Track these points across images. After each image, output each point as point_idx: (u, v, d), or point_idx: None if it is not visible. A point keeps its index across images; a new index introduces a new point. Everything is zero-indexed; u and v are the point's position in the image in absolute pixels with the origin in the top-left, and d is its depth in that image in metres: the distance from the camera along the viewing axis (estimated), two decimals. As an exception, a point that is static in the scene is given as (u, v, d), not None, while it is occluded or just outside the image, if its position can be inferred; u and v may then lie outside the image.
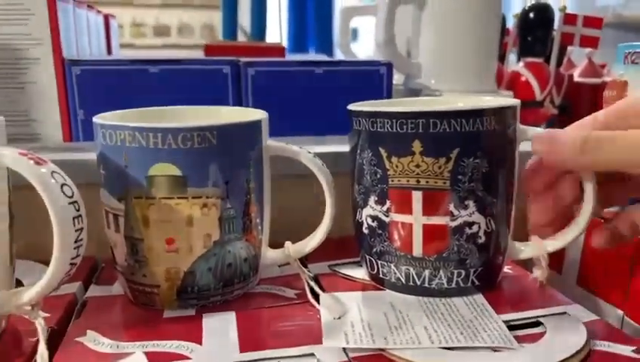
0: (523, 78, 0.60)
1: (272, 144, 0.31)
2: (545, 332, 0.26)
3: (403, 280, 0.31)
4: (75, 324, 0.28)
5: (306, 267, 0.35)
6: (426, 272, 0.30)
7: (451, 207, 0.29)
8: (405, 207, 0.29)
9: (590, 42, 0.61)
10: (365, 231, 0.31)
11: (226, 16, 0.52)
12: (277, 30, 1.94)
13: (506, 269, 0.34)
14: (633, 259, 0.34)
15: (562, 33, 0.61)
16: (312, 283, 0.31)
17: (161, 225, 0.28)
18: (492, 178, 0.29)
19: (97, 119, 0.29)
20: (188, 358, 0.24)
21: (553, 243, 0.31)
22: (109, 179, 0.29)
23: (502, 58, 0.65)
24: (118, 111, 0.32)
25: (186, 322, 0.28)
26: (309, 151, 0.31)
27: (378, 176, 0.30)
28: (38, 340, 0.25)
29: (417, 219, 0.29)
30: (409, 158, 0.29)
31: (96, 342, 0.26)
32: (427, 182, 0.29)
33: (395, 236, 0.30)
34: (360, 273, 0.34)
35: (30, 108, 0.41)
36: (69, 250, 0.23)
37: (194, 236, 0.28)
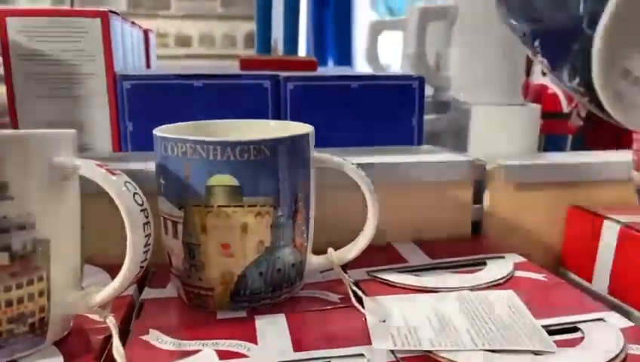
0: (550, 91, 0.61)
1: (318, 156, 0.33)
2: (583, 337, 0.28)
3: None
4: (137, 324, 0.30)
5: (345, 273, 0.36)
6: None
7: None
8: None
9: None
10: None
11: (260, 30, 0.54)
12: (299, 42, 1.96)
13: (540, 277, 0.36)
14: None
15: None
16: (355, 288, 0.33)
17: (217, 231, 0.30)
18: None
19: (159, 132, 0.31)
20: (247, 356, 0.26)
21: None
22: (168, 189, 0.31)
23: (527, 71, 0.67)
24: (174, 125, 0.34)
25: (239, 323, 0.30)
26: (352, 163, 0.33)
27: None
28: (104, 337, 0.27)
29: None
30: None
31: (159, 340, 0.28)
32: None
33: None
34: (399, 278, 0.35)
35: (83, 119, 0.44)
36: (140, 253, 0.25)
37: (248, 242, 0.30)
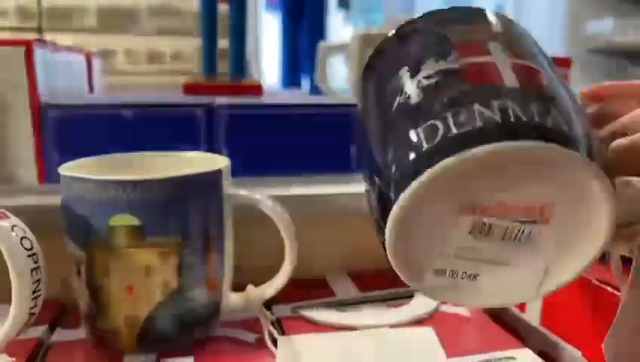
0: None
1: (233, 193, 0.32)
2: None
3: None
4: (38, 370, 0.28)
5: (269, 309, 0.35)
6: None
7: None
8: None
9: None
10: None
11: (205, 50, 0.53)
12: (270, 61, 1.96)
13: (464, 312, 0.35)
14: (592, 300, 0.35)
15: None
16: (271, 328, 0.32)
17: (120, 273, 0.29)
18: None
19: (62, 170, 0.30)
20: (140, 407, 0.25)
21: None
22: (72, 228, 0.30)
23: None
24: (82, 160, 0.33)
25: (147, 366, 0.29)
26: (269, 201, 0.32)
27: None
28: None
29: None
30: None
31: (52, 390, 0.26)
32: None
33: None
34: (321, 315, 0.35)
35: (7, 150, 0.42)
36: (27, 301, 0.24)
37: (153, 283, 0.29)
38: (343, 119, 0.48)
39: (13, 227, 0.25)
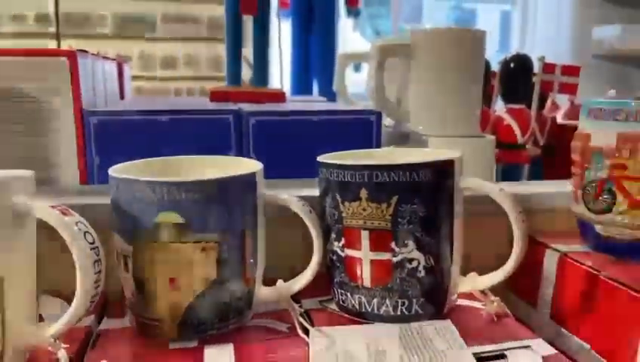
0: (505, 123, 0.64)
1: (266, 193, 0.35)
2: (506, 365, 0.30)
3: (357, 307, 0.35)
4: (91, 355, 0.31)
5: (298, 302, 0.38)
6: (375, 301, 0.34)
7: (393, 245, 0.33)
8: (356, 244, 0.34)
9: (569, 89, 0.65)
10: (329, 263, 0.36)
11: (230, 62, 0.56)
12: (280, 70, 1.99)
13: (477, 304, 0.38)
14: (601, 295, 0.37)
15: (542, 81, 0.65)
16: (302, 319, 0.35)
17: (164, 266, 0.32)
18: (430, 221, 0.33)
19: (112, 172, 0.33)
20: (189, 386, 0.28)
21: (483, 281, 0.35)
22: (120, 225, 0.32)
23: (488, 101, 0.70)
24: (130, 163, 0.36)
25: (189, 353, 0.31)
26: (298, 200, 0.35)
27: (335, 217, 0.34)
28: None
29: (365, 254, 0.33)
30: (357, 203, 0.33)
31: (108, 370, 0.29)
32: (372, 223, 0.33)
33: (349, 269, 0.35)
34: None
35: (51, 154, 0.46)
36: (90, 290, 0.27)
37: (194, 276, 0.32)
38: (365, 125, 0.50)
39: (77, 223, 0.27)
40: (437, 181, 0.33)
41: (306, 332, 0.34)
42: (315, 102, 0.71)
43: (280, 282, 0.37)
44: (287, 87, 1.91)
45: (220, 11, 2.63)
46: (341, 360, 0.30)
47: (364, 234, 0.33)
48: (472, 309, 0.37)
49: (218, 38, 2.65)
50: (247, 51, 2.49)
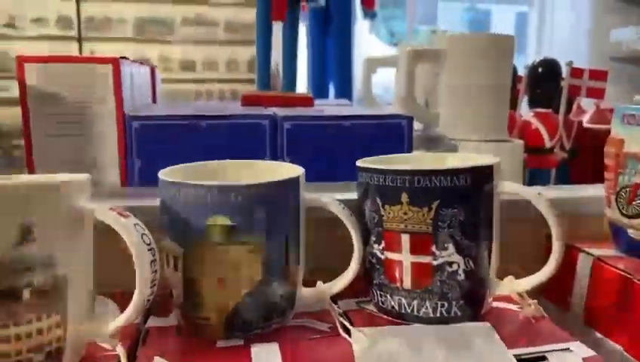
0: (533, 127, 0.65)
1: (308, 196, 0.36)
2: (547, 366, 0.30)
3: (396, 308, 0.36)
4: (143, 351, 0.32)
5: (336, 303, 0.39)
6: (415, 303, 0.35)
7: (433, 249, 0.34)
8: (396, 247, 0.35)
9: (596, 93, 0.66)
10: (368, 266, 0.37)
11: (260, 65, 0.58)
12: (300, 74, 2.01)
13: (516, 307, 0.38)
14: (635, 299, 0.37)
15: (570, 85, 0.66)
16: (342, 319, 0.36)
17: (214, 266, 0.33)
18: (469, 225, 0.34)
19: (163, 176, 0.34)
20: (241, 382, 0.29)
21: (522, 284, 0.36)
22: (171, 226, 0.34)
23: (514, 104, 0.70)
24: (176, 167, 0.37)
25: (236, 350, 0.33)
26: (338, 203, 0.36)
27: (375, 220, 0.35)
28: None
29: (406, 257, 0.34)
30: (399, 207, 0.34)
31: (162, 366, 0.30)
32: (413, 227, 0.34)
33: (389, 271, 0.36)
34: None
35: (94, 157, 0.47)
36: (147, 288, 0.28)
37: (240, 277, 0.33)
38: (397, 129, 0.51)
39: (135, 224, 0.29)
40: (477, 186, 0.34)
41: (347, 331, 0.35)
42: (341, 106, 0.72)
43: (320, 283, 0.38)
44: (302, 90, 1.93)
45: (236, 14, 2.66)
46: (384, 358, 0.31)
47: (405, 238, 0.34)
48: (508, 312, 0.38)
49: (235, 40, 2.68)
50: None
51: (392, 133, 0.51)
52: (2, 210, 0.26)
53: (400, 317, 0.36)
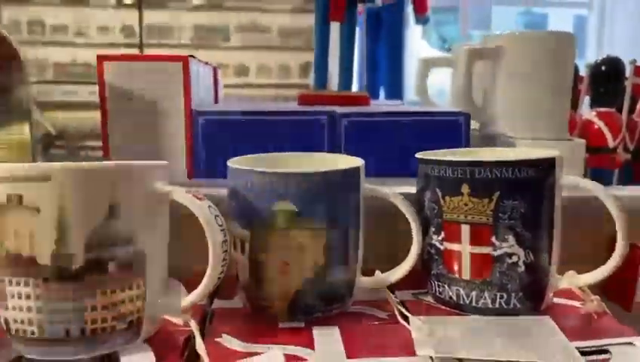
0: (596, 127, 0.63)
1: (368, 186, 0.37)
2: (610, 359, 0.30)
3: (455, 299, 0.36)
4: (211, 328, 0.34)
5: (393, 293, 0.40)
6: (473, 293, 0.35)
7: (493, 239, 0.34)
8: (456, 237, 0.35)
9: (663, 93, 0.63)
10: (426, 256, 0.37)
11: (317, 66, 0.59)
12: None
13: (577, 304, 0.38)
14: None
15: (633, 84, 0.64)
16: (401, 307, 0.36)
17: (278, 250, 0.35)
18: (530, 217, 0.34)
19: (232, 164, 0.36)
20: (306, 360, 0.30)
21: (584, 278, 0.35)
22: (238, 212, 0.36)
23: (574, 105, 0.69)
24: (243, 157, 0.39)
25: (298, 332, 0.34)
26: (398, 194, 0.37)
27: (435, 211, 0.35)
28: (185, 338, 0.32)
29: (465, 248, 0.35)
30: (459, 198, 0.34)
31: (230, 342, 0.32)
32: (473, 217, 0.34)
33: (448, 261, 0.36)
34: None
35: (164, 149, 0.50)
36: (219, 266, 0.30)
37: (304, 261, 0.35)
38: (454, 126, 0.51)
39: (209, 206, 0.31)
40: (539, 178, 0.34)
41: (405, 320, 0.35)
42: (397, 105, 0.73)
43: (378, 273, 0.39)
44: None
45: (290, 21, 2.71)
46: (444, 345, 0.31)
47: (465, 228, 0.35)
48: (569, 307, 0.38)
49: (288, 46, 2.73)
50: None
51: (449, 130, 0.52)
52: (94, 189, 0.29)
53: (458, 308, 0.36)
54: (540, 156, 0.35)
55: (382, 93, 2.04)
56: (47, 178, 0.28)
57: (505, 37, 0.56)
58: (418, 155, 0.38)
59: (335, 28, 0.60)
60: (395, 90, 1.91)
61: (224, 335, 0.33)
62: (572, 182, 0.35)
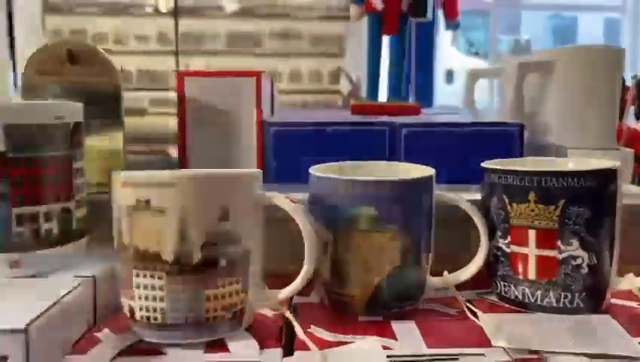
0: (643, 136, 0.65)
1: (438, 193, 0.41)
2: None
3: (520, 297, 0.39)
4: (299, 320, 0.38)
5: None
6: (538, 292, 0.38)
7: (559, 243, 0.37)
8: (523, 241, 0.38)
9: None
10: (492, 259, 0.41)
11: (370, 77, 0.63)
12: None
13: (633, 304, 0.40)
14: None
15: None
16: (469, 305, 0.40)
17: (360, 251, 0.38)
18: (594, 222, 0.37)
19: (315, 172, 0.40)
20: (392, 349, 0.34)
21: None
22: (321, 215, 0.39)
23: (620, 115, 0.71)
24: (324, 165, 0.43)
25: (379, 325, 0.37)
26: (466, 200, 0.40)
27: (502, 216, 0.39)
28: (279, 327, 0.36)
29: (532, 251, 0.38)
30: (526, 205, 0.37)
31: (320, 333, 0.36)
32: (540, 223, 0.37)
33: (514, 263, 0.39)
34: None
35: (237, 157, 0.54)
36: (313, 262, 0.34)
37: (382, 261, 0.38)
38: (509, 137, 0.54)
39: (302, 210, 0.35)
40: (602, 186, 0.37)
41: (474, 316, 0.38)
42: (448, 114, 0.76)
43: (446, 273, 0.42)
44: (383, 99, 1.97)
45: (320, 28, 2.76)
46: (517, 338, 0.34)
47: (531, 233, 0.38)
48: (627, 308, 0.40)
49: (319, 53, 2.79)
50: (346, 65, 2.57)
51: (504, 140, 0.55)
52: (210, 195, 0.33)
53: (523, 306, 0.39)
54: (603, 166, 0.37)
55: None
56: (172, 185, 0.32)
57: (556, 51, 0.59)
58: (484, 164, 0.41)
59: (385, 41, 0.63)
60: (426, 97, 1.94)
61: (312, 326, 0.37)
62: (632, 190, 0.38)
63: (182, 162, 0.55)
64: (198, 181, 0.33)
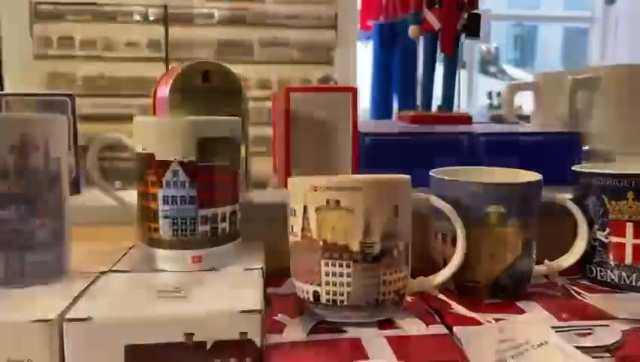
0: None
1: (545, 193, 0.48)
2: None
3: (616, 280, 0.47)
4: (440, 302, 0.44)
5: (551, 279, 0.50)
6: (634, 275, 0.45)
7: None
8: (621, 233, 0.46)
9: None
10: (588, 249, 0.48)
11: (424, 88, 0.69)
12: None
13: None
14: None
15: None
16: (569, 287, 0.47)
17: (488, 243, 0.45)
18: None
19: (435, 174, 0.47)
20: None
21: None
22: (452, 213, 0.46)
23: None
24: (441, 169, 0.49)
25: (502, 305, 0.44)
26: (570, 200, 0.48)
27: (600, 212, 0.46)
28: (436, 307, 0.42)
29: (629, 240, 0.45)
30: (624, 202, 0.45)
31: (463, 311, 0.42)
32: (637, 217, 0.45)
33: (611, 251, 0.47)
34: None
35: (335, 165, 0.60)
36: (463, 251, 0.41)
37: (506, 251, 0.45)
38: (569, 144, 0.62)
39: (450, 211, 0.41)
40: None
41: (578, 296, 0.46)
42: (490, 123, 0.84)
43: (547, 261, 0.49)
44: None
45: (310, 36, 2.83)
46: (631, 312, 0.41)
47: (629, 225, 0.45)
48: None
49: (308, 61, 2.86)
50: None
51: (566, 147, 0.63)
52: (386, 195, 0.39)
53: (617, 288, 0.47)
54: None
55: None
56: (359, 188, 0.38)
57: (604, 68, 0.67)
58: (579, 168, 0.49)
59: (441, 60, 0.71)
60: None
61: (454, 305, 0.43)
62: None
63: (286, 168, 0.60)
64: (380, 185, 0.39)
